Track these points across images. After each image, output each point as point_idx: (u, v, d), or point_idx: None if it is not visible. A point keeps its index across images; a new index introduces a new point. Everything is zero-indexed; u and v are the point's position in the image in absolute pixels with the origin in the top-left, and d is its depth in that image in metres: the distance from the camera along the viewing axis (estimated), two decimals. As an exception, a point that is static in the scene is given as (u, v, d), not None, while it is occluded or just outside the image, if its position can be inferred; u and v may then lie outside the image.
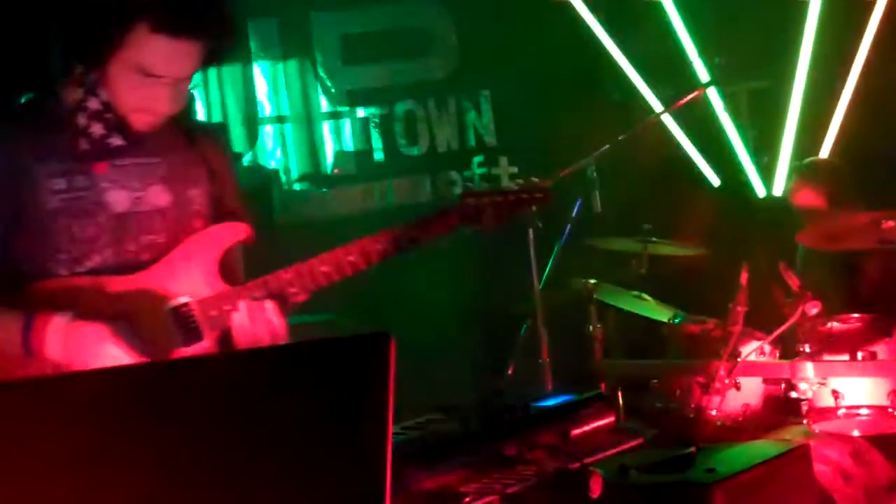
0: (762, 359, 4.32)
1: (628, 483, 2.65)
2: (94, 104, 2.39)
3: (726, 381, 4.15)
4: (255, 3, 5.34)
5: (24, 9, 3.44)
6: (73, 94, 2.42)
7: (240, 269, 2.60)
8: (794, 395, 4.19)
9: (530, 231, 4.30)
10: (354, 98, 5.80)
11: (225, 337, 2.47)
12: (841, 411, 4.14)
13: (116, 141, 2.41)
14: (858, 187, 4.98)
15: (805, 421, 4.14)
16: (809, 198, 4.95)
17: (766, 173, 6.20)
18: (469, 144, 5.95)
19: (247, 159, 5.64)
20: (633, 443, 2.47)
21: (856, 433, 4.13)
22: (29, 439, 1.46)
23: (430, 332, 4.86)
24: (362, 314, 2.58)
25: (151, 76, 2.34)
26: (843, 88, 6.11)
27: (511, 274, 4.69)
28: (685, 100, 5.19)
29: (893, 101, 5.96)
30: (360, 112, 5.82)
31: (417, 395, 2.28)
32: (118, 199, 2.45)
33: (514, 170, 5.89)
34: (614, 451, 2.41)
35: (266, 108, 5.65)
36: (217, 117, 5.51)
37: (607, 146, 4.83)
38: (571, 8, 5.90)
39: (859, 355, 4.17)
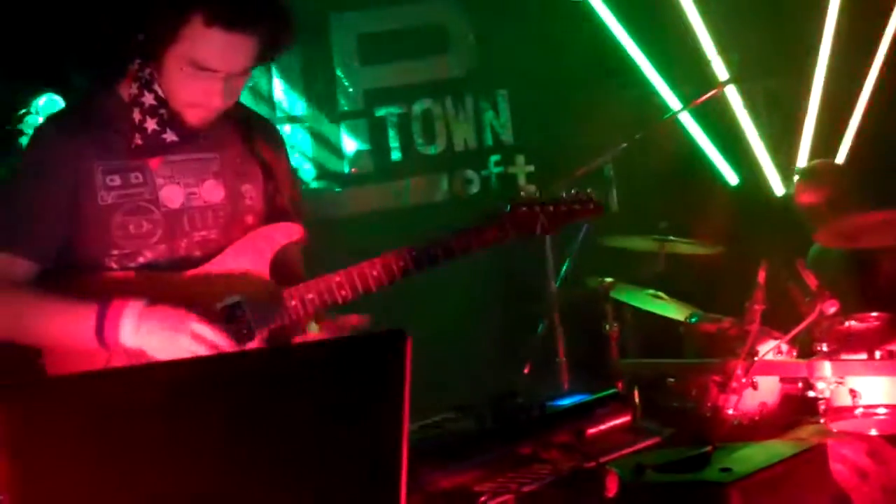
0: (779, 358, 4.31)
1: (644, 482, 2.65)
2: (148, 99, 2.39)
3: (743, 380, 4.14)
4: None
5: (83, 3, 3.46)
6: (129, 88, 2.42)
7: (299, 268, 2.60)
8: (811, 394, 4.18)
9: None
10: (372, 97, 5.81)
11: (273, 336, 2.47)
12: (858, 410, 4.13)
13: (170, 136, 2.42)
14: (861, 188, 4.99)
15: (822, 420, 4.12)
16: (811, 199, 4.95)
17: (785, 172, 6.18)
18: (486, 143, 5.95)
19: (264, 158, 5.66)
20: (649, 442, 2.47)
21: (873, 432, 4.11)
22: (59, 437, 1.48)
23: (446, 331, 4.87)
24: (378, 313, 2.57)
25: (205, 70, 2.33)
26: (862, 86, 6.09)
27: (527, 273, 4.70)
28: (703, 98, 5.18)
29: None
30: (378, 111, 5.84)
31: (433, 394, 2.29)
32: (172, 196, 2.46)
33: (531, 168, 5.90)
34: (630, 450, 2.41)
35: (284, 107, 5.67)
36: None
37: (624, 145, 4.83)
38: (589, 6, 5.89)
39: (877, 354, 4.16)
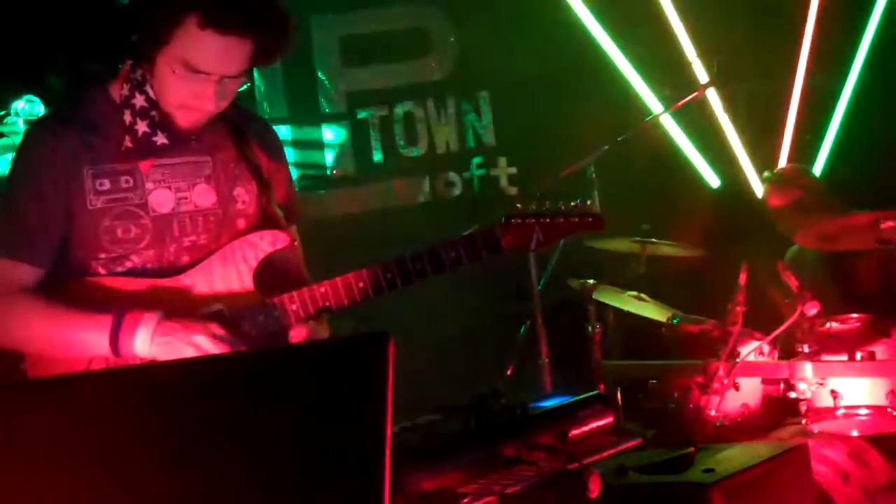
0: (761, 359, 4.32)
1: (627, 483, 2.65)
2: (140, 101, 2.37)
3: (725, 382, 4.16)
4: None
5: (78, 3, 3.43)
6: (120, 89, 2.40)
7: (296, 273, 2.56)
8: (792, 395, 4.20)
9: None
10: (354, 100, 5.80)
11: (253, 346, 2.43)
12: (839, 411, 4.15)
13: (161, 139, 2.39)
14: (830, 192, 5.04)
15: (804, 421, 4.14)
16: (780, 203, 4.99)
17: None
18: (468, 145, 5.96)
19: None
20: (632, 443, 2.47)
21: (854, 433, 4.13)
22: (35, 440, 1.47)
23: (429, 332, 4.87)
24: (359, 315, 2.56)
25: (198, 72, 2.30)
26: (842, 89, 6.13)
27: (510, 274, 4.70)
28: (684, 101, 5.20)
29: (892, 100, 5.98)
30: (360, 113, 5.83)
31: (416, 396, 2.29)
32: (162, 201, 2.43)
33: (513, 170, 5.90)
34: (613, 451, 2.41)
35: (265, 109, 5.66)
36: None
37: (606, 147, 4.84)
38: (571, 9, 5.91)
39: (858, 355, 4.18)
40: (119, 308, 2.33)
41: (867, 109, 6.09)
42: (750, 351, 4.26)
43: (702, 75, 5.88)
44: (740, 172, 6.21)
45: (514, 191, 5.80)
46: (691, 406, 4.25)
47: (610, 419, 2.45)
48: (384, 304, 2.55)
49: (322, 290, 2.46)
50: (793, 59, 6.16)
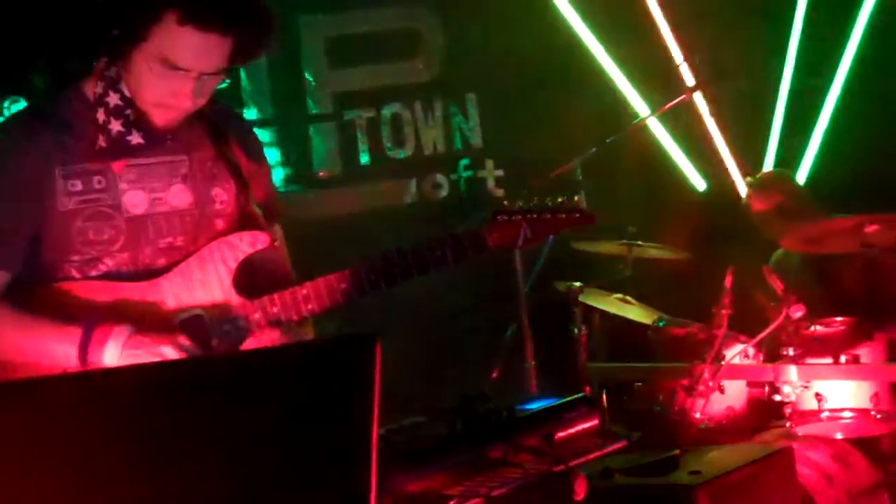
0: (746, 362, 4.34)
1: (612, 485, 2.66)
2: (114, 99, 2.32)
3: (710, 384, 4.17)
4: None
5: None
6: (93, 87, 2.35)
7: (281, 274, 2.51)
8: (777, 398, 4.21)
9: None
10: (341, 101, 5.79)
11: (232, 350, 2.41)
12: (824, 414, 4.16)
13: (136, 138, 2.34)
14: (811, 197, 5.06)
15: (788, 424, 4.15)
16: (762, 207, 5.01)
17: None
18: (455, 147, 5.96)
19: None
20: (618, 445, 2.48)
21: (838, 436, 4.15)
22: (5, 443, 1.46)
23: (415, 334, 4.86)
24: (346, 316, 2.54)
25: (176, 69, 2.26)
26: (828, 92, 6.16)
27: (496, 276, 4.70)
28: (671, 104, 5.22)
29: (878, 103, 6.00)
30: (347, 115, 5.82)
31: (403, 398, 2.28)
32: (136, 202, 2.39)
33: (500, 172, 5.91)
34: (598, 453, 2.42)
35: (251, 109, 5.65)
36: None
37: (594, 149, 4.85)
38: (558, 11, 5.91)
39: (842, 358, 4.19)
40: (90, 319, 2.29)
41: (854, 112, 6.12)
42: (735, 354, 4.27)
43: (689, 78, 5.89)
44: (726, 176, 6.22)
45: (501, 192, 5.80)
46: (676, 409, 4.26)
47: (595, 421, 2.46)
48: (370, 304, 2.54)
49: (304, 292, 2.42)
50: (780, 61, 6.18)
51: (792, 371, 4.16)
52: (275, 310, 2.41)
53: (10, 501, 1.45)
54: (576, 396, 2.51)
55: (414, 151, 5.88)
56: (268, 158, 2.73)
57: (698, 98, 6.01)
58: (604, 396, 4.45)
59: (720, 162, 6.21)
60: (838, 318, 4.33)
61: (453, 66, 5.89)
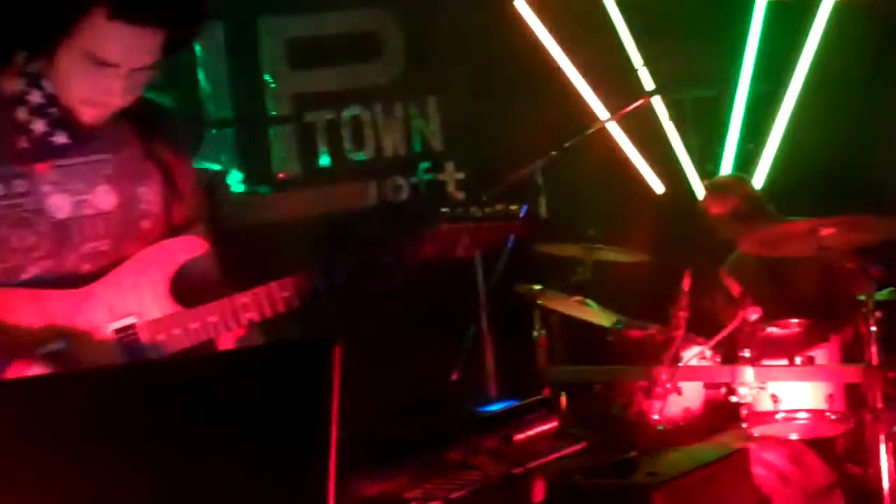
0: (703, 363, 4.37)
1: (571, 487, 2.67)
2: (36, 97, 2.20)
3: (668, 386, 4.20)
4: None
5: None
6: (12, 85, 2.23)
7: (211, 281, 2.41)
8: (733, 399, 4.25)
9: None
10: (300, 102, 5.77)
11: None
12: (779, 415, 4.20)
13: (61, 139, 2.22)
14: (766, 201, 5.12)
15: (744, 425, 4.19)
16: (718, 211, 5.07)
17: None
18: (415, 150, 5.95)
19: (191, 163, 5.58)
20: (576, 447, 2.49)
21: (794, 437, 4.19)
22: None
23: (374, 336, 4.85)
24: (305, 319, 2.52)
25: (105, 65, 2.15)
26: (785, 97, 6.23)
27: (456, 279, 4.70)
28: (630, 108, 5.25)
29: (834, 109, 6.08)
30: (307, 116, 5.80)
31: (361, 401, 2.28)
32: (60, 204, 2.27)
33: (461, 175, 5.91)
34: (557, 455, 2.42)
35: (210, 110, 5.61)
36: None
37: (554, 153, 4.87)
38: (519, 16, 5.93)
39: (798, 360, 4.24)
40: (5, 358, 2.15)
41: (809, 118, 6.19)
42: (692, 356, 4.30)
43: (648, 83, 5.93)
44: (684, 179, 6.28)
45: (461, 195, 5.81)
46: (635, 411, 4.29)
47: (554, 423, 2.47)
48: (329, 307, 2.52)
49: (243, 300, 2.33)
50: (737, 67, 6.25)
51: (748, 372, 4.20)
52: (213, 319, 2.32)
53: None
54: (535, 398, 2.52)
55: (374, 154, 5.87)
56: (193, 156, 2.61)
57: (657, 102, 6.05)
58: (563, 399, 4.47)
59: (678, 166, 6.27)
60: (794, 320, 4.37)
61: (414, 68, 5.89)
